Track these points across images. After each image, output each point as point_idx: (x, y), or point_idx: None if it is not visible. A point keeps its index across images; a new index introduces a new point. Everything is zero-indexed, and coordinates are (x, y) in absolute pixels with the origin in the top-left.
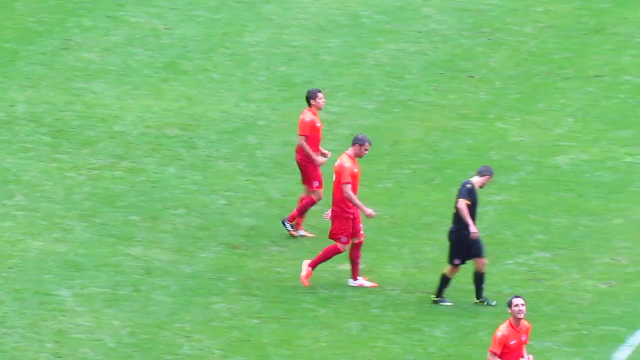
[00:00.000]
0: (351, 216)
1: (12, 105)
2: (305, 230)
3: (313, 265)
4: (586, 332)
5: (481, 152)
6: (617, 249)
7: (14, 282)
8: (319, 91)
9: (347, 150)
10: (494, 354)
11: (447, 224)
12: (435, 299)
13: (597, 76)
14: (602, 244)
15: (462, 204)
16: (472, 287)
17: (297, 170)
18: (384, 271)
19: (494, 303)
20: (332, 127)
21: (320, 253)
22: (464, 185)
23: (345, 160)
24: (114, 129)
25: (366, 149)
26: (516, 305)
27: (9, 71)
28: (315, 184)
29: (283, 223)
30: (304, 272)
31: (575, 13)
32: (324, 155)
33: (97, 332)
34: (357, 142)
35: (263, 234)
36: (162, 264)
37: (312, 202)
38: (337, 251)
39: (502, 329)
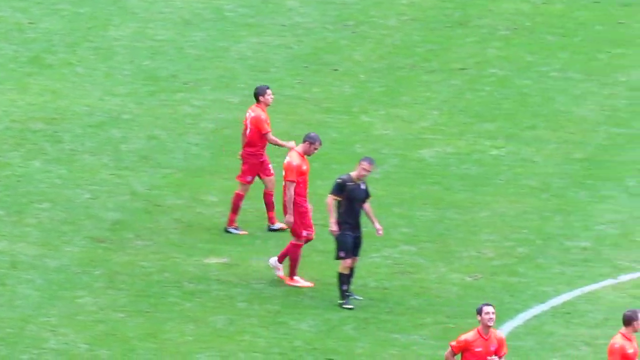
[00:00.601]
0: (304, 209)
1: None
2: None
3: (291, 273)
4: (453, 326)
5: (346, 146)
6: (483, 242)
7: None
8: (267, 87)
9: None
10: (452, 349)
11: (315, 219)
12: (340, 302)
13: (462, 69)
14: (468, 237)
15: (329, 199)
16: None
17: (162, 164)
18: (249, 265)
19: (360, 298)
20: (197, 120)
21: (287, 255)
22: (335, 180)
23: (294, 157)
24: None
25: (316, 148)
26: (487, 312)
27: None
28: (249, 178)
29: (270, 229)
30: (278, 273)
31: (440, 5)
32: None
33: None
34: (308, 140)
35: (128, 227)
36: (28, 258)
37: (268, 194)
38: (299, 246)
39: (468, 334)
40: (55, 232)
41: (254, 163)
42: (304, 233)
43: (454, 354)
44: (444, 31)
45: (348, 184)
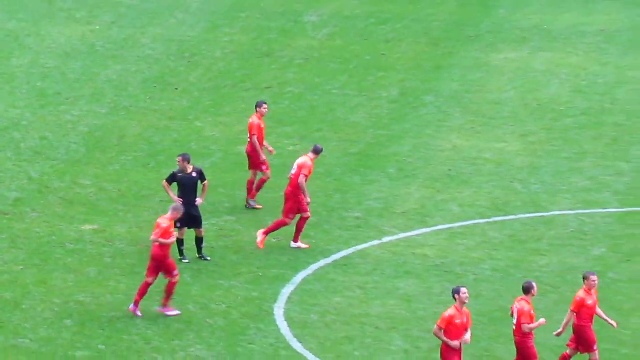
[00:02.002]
0: (301, 199)
1: None
2: (256, 203)
3: (266, 233)
4: (261, 274)
5: (184, 144)
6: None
7: None
8: (265, 102)
9: (308, 153)
10: (440, 327)
11: (160, 197)
12: (180, 257)
13: (268, 87)
14: (273, 210)
15: (164, 183)
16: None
17: (51, 157)
18: (114, 230)
19: (209, 258)
20: (76, 125)
21: (272, 224)
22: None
23: (307, 159)
24: None
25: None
26: (464, 293)
27: None
28: (264, 167)
29: (248, 204)
30: (259, 239)
31: (252, 42)
32: (269, 150)
33: None
34: (318, 150)
35: (25, 204)
36: None
37: (264, 181)
38: (284, 224)
39: (450, 311)
40: None
41: (256, 159)
42: (290, 216)
43: (440, 329)
44: (255, 60)
45: (179, 174)
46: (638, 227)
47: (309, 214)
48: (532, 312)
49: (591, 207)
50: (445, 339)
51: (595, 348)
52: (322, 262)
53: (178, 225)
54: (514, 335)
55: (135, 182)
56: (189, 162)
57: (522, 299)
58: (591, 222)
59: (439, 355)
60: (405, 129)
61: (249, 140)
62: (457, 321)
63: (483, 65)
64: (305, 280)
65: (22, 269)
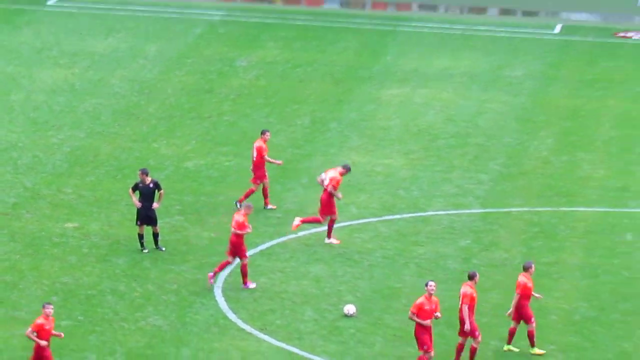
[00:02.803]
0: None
1: None
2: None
3: (303, 222)
4: (205, 261)
5: (144, 161)
6: (222, 216)
7: None
8: (268, 131)
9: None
10: (412, 312)
11: (126, 202)
12: (140, 248)
13: (209, 117)
14: (214, 211)
15: (130, 190)
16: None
17: (41, 170)
18: (90, 227)
19: (164, 249)
20: (60, 147)
21: (311, 217)
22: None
23: (336, 173)
24: None
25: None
26: (431, 286)
27: None
28: (257, 181)
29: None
30: (295, 222)
31: (197, 81)
32: (277, 163)
33: None
34: (346, 167)
35: (22, 207)
36: None
37: (266, 188)
38: (318, 220)
39: (420, 300)
40: None
41: (259, 173)
42: (324, 217)
43: (413, 313)
44: (199, 96)
45: (140, 184)
46: (495, 223)
47: (336, 216)
48: (475, 294)
49: (459, 209)
50: (417, 319)
51: (532, 321)
52: (251, 252)
53: (138, 223)
54: (459, 311)
55: (107, 189)
56: (147, 175)
57: (467, 284)
58: (459, 220)
59: (341, 323)
60: (315, 149)
61: (254, 159)
62: (427, 307)
63: (375, 99)
64: (237, 266)
65: (18, 257)
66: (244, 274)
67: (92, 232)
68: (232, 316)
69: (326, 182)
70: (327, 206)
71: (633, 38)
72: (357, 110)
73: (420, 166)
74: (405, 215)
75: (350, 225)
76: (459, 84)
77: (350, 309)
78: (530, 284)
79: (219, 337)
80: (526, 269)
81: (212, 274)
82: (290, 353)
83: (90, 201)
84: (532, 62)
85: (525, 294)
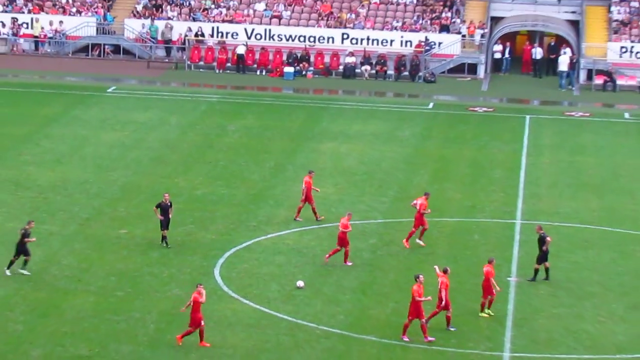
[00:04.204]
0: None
1: None
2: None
3: (411, 236)
4: (208, 254)
5: (169, 189)
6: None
7: None
8: (313, 171)
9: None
10: (418, 295)
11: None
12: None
13: (210, 162)
14: (214, 222)
15: (155, 208)
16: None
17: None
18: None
19: (170, 247)
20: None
21: (413, 230)
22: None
23: (423, 199)
24: None
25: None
26: (421, 278)
27: None
28: (312, 203)
29: (316, 217)
30: (406, 244)
31: (203, 139)
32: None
33: None
34: (427, 194)
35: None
36: None
37: (313, 208)
38: (417, 231)
39: (415, 287)
40: None
41: (309, 195)
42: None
43: (419, 295)
44: (203, 149)
45: (161, 203)
46: (392, 229)
47: (426, 226)
48: (447, 282)
49: (369, 219)
50: (419, 297)
51: (494, 292)
52: (236, 248)
53: (161, 229)
54: (439, 292)
55: (145, 208)
56: (167, 197)
57: (442, 276)
58: (369, 226)
59: (295, 293)
60: (278, 182)
61: (305, 189)
62: (421, 291)
63: (315, 150)
64: (228, 257)
65: (90, 252)
66: (346, 255)
67: (136, 235)
68: (225, 289)
69: (417, 206)
70: (420, 222)
71: (479, 111)
72: (304, 157)
73: (344, 192)
74: (335, 224)
75: (301, 230)
76: (368, 140)
77: (300, 283)
78: (490, 270)
79: (217, 302)
80: (494, 261)
81: (327, 256)
82: (262, 312)
83: (134, 216)
84: (414, 126)
85: (487, 279)
